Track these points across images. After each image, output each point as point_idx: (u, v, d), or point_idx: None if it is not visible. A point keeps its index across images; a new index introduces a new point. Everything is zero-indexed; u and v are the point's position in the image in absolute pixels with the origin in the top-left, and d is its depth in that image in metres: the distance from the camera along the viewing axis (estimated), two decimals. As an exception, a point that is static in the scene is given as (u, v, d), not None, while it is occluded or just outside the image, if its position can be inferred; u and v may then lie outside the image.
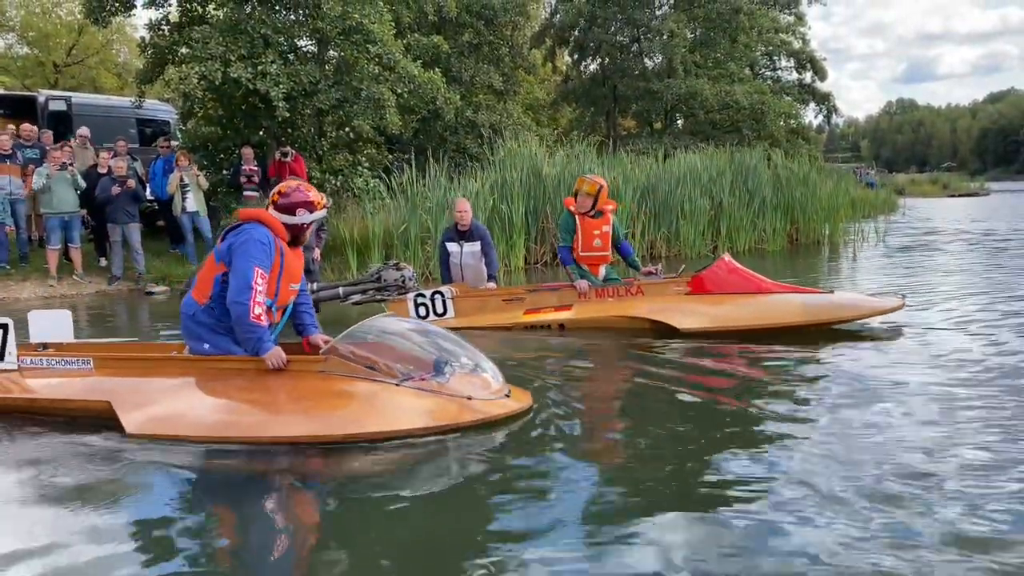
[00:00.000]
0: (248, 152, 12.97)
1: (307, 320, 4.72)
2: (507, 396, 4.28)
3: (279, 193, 4.49)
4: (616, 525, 2.85)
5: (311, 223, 4.52)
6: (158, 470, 3.58)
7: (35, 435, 4.12)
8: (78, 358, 4.68)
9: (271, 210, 4.46)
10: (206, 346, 4.42)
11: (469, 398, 4.08)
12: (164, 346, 5.41)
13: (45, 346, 4.98)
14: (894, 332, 6.24)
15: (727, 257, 6.95)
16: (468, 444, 3.80)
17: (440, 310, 6.78)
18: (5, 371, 4.73)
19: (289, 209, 4.44)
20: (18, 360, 4.75)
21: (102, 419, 4.11)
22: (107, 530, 2.95)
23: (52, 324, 5.05)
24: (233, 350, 4.38)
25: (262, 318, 4.23)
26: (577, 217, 7.09)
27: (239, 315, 4.19)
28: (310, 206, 4.46)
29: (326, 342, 4.52)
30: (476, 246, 7.45)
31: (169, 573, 2.63)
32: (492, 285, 7.40)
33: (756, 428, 3.94)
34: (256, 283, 4.18)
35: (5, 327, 4.74)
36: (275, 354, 4.20)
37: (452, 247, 7.48)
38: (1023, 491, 3.01)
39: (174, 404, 4.12)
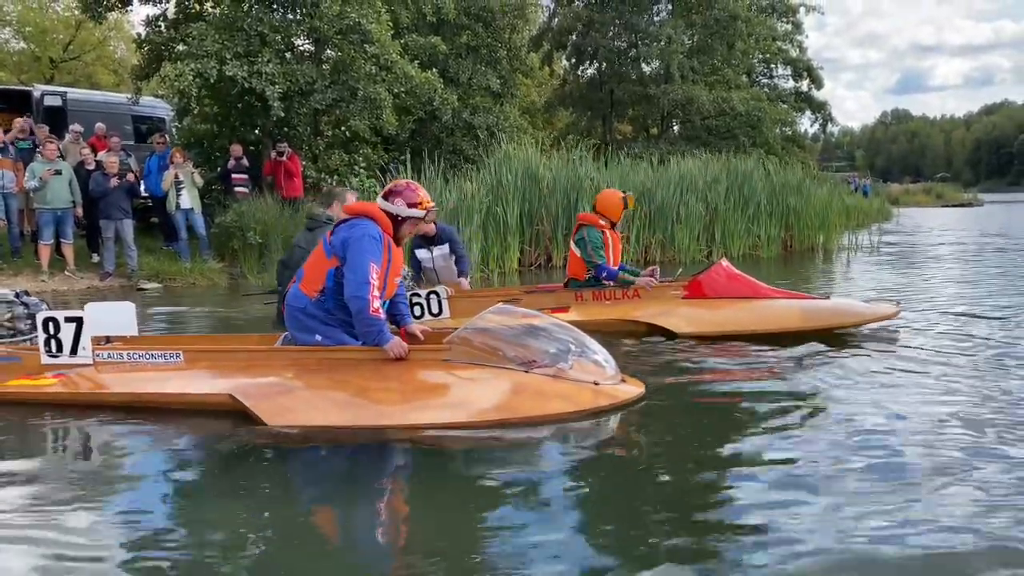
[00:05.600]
0: (236, 149, 12.94)
1: (403, 310, 4.87)
2: (623, 382, 4.38)
3: (390, 191, 4.58)
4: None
5: (416, 220, 4.60)
6: (261, 455, 3.68)
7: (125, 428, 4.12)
8: (165, 352, 4.59)
9: (380, 203, 4.55)
10: (318, 337, 4.47)
11: (596, 383, 4.18)
12: (243, 338, 5.32)
13: (108, 339, 4.88)
14: (889, 339, 6.21)
15: (724, 262, 6.92)
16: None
17: (436, 310, 6.72)
18: (79, 366, 4.61)
19: (396, 202, 4.53)
20: (93, 355, 4.65)
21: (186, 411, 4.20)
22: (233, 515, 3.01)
23: (115, 317, 4.91)
24: (345, 340, 4.46)
25: (380, 312, 4.33)
26: (607, 233, 7.01)
27: (359, 309, 4.27)
28: (417, 206, 4.55)
29: (423, 331, 4.70)
30: (445, 248, 7.40)
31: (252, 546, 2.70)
32: (464, 282, 7.37)
33: (754, 436, 3.91)
34: (373, 278, 4.27)
35: (79, 320, 4.62)
36: (397, 344, 4.30)
37: (422, 253, 7.40)
38: (1020, 497, 2.98)
39: (305, 394, 4.12)
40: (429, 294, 6.69)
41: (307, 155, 14.08)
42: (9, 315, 5.21)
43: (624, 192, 7.33)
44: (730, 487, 3.20)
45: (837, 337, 6.14)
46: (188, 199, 11.90)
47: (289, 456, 3.72)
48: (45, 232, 10.90)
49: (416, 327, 4.78)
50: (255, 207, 12.26)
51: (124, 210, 11.11)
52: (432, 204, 4.67)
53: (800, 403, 4.41)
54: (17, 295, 5.35)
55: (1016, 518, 2.80)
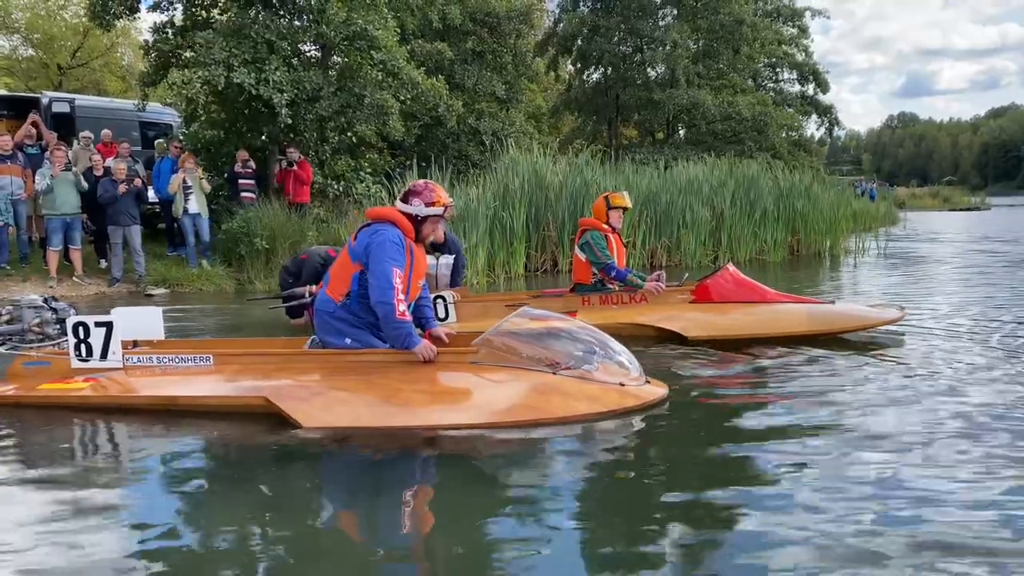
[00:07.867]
0: (243, 155, 12.97)
1: (427, 314, 4.91)
2: (648, 383, 4.45)
3: (408, 193, 4.64)
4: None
5: (436, 218, 4.64)
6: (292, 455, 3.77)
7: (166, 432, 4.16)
8: (195, 355, 4.66)
9: (399, 206, 4.61)
10: (347, 340, 4.56)
11: (621, 384, 4.27)
12: (271, 342, 5.38)
13: (136, 343, 4.94)
14: (894, 343, 6.21)
15: (731, 266, 6.93)
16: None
17: (442, 315, 6.75)
18: (109, 369, 4.66)
19: (415, 203, 4.60)
20: (123, 358, 4.70)
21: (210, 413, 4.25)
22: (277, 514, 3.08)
23: (142, 321, 5.00)
24: (373, 343, 4.55)
25: (406, 315, 4.40)
26: (611, 236, 7.02)
27: (385, 314, 4.35)
28: (435, 204, 4.61)
29: (447, 335, 4.75)
30: (450, 259, 7.45)
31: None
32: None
33: (767, 438, 3.90)
34: (396, 282, 4.34)
35: (110, 325, 4.67)
36: (425, 347, 4.38)
37: (428, 260, 7.46)
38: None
39: (338, 396, 4.16)
40: (436, 299, 6.71)
41: (313, 161, 14.12)
42: (38, 320, 5.26)
43: (608, 192, 7.39)
44: (749, 489, 3.21)
45: (843, 341, 6.15)
46: (195, 204, 11.94)
47: (322, 457, 3.78)
48: (54, 238, 10.95)
49: (441, 330, 4.84)
50: (262, 213, 12.30)
51: (132, 216, 11.16)
52: (450, 201, 4.71)
53: (807, 406, 4.40)
54: (46, 300, 5.40)
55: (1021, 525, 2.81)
